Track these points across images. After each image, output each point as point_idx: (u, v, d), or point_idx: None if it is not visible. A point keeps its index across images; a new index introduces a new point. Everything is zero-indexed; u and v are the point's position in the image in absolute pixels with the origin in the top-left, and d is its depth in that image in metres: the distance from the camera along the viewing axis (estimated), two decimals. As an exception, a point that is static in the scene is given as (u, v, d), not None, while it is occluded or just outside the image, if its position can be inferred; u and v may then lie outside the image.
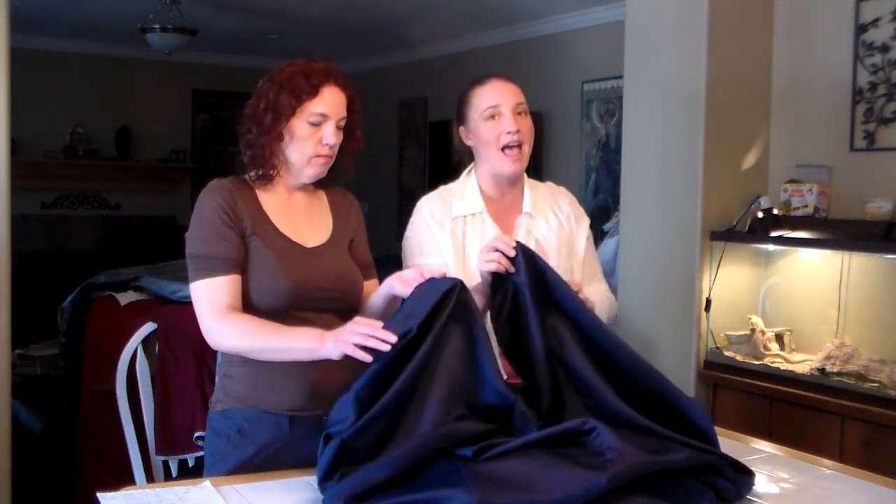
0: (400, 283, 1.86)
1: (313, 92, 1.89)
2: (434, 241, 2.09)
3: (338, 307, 1.96)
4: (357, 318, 1.75)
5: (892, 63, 3.23)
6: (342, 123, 1.94)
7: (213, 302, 1.82)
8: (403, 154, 7.59)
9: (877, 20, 3.27)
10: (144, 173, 7.73)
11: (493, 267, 1.82)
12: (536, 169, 5.77)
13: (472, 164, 2.20)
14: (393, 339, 1.62)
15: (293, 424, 1.89)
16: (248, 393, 1.90)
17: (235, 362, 1.92)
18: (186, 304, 3.14)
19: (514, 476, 1.48)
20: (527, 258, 1.83)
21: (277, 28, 6.56)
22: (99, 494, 1.66)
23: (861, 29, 3.31)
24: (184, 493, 1.65)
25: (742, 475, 1.64)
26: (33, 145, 7.06)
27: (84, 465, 3.63)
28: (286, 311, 1.88)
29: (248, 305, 1.87)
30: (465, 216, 2.13)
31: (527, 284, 1.80)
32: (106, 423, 3.20)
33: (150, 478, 2.44)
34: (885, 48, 3.24)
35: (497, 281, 1.85)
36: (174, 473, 2.74)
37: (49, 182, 7.33)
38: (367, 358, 1.63)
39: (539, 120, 5.95)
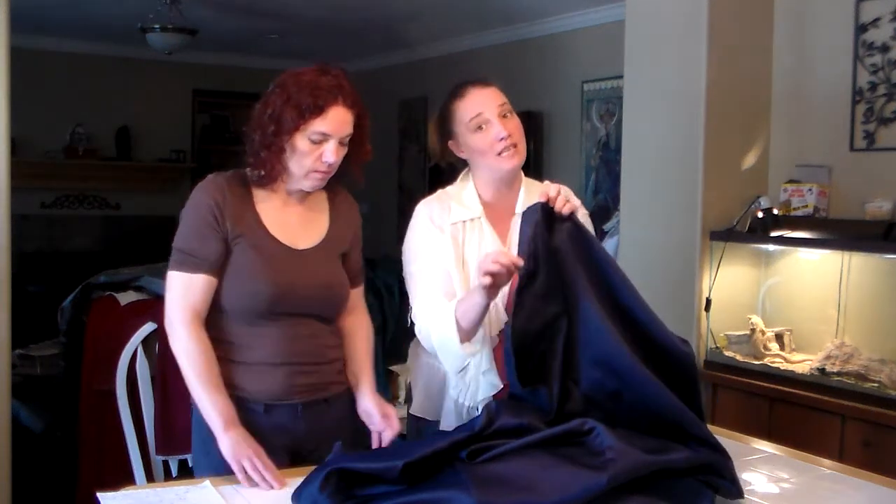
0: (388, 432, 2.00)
1: (318, 112, 1.87)
2: (435, 244, 2.08)
3: (319, 313, 1.99)
4: (259, 452, 1.77)
5: (892, 63, 3.23)
6: (346, 140, 1.94)
7: (184, 298, 1.89)
8: (403, 154, 7.58)
9: (877, 20, 3.27)
10: (144, 173, 7.72)
11: (487, 281, 1.78)
12: (536, 169, 5.76)
13: (468, 168, 2.19)
14: (273, 486, 1.70)
15: (268, 411, 1.93)
16: (225, 382, 1.93)
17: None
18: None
19: (514, 477, 1.48)
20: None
21: (277, 28, 6.56)
22: (99, 494, 1.66)
23: (861, 29, 3.31)
24: (184, 492, 1.65)
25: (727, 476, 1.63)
26: (33, 145, 7.05)
27: (84, 465, 3.62)
28: (265, 314, 1.91)
29: (230, 305, 1.91)
30: (463, 221, 2.11)
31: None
32: (106, 423, 3.19)
33: (150, 478, 2.44)
34: (885, 48, 3.25)
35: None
36: (174, 473, 2.74)
37: (49, 182, 7.31)
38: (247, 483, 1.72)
39: (539, 120, 5.95)
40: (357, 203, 2.17)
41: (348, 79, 1.95)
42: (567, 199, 1.85)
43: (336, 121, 1.89)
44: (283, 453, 1.93)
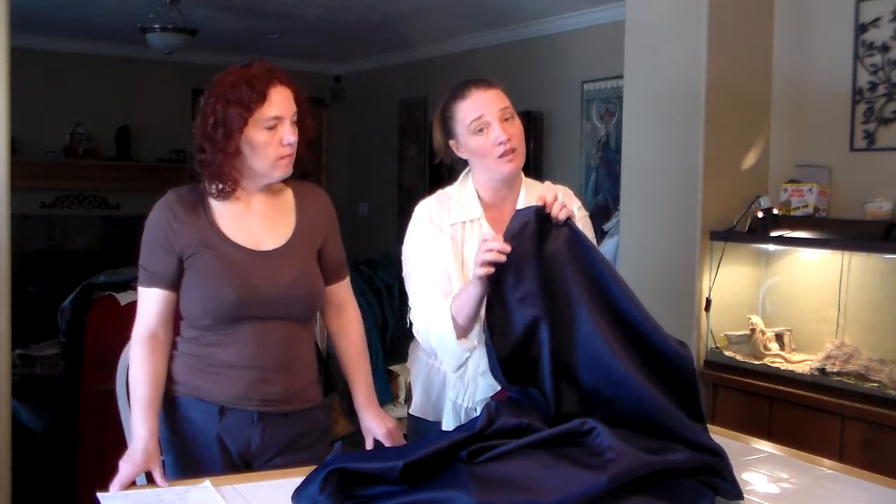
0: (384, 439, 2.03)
1: (261, 98, 1.87)
2: (434, 245, 2.09)
3: (290, 315, 1.97)
4: (128, 470, 1.78)
5: (892, 63, 3.23)
6: (295, 118, 1.94)
7: (142, 312, 1.96)
8: (403, 154, 7.58)
9: (877, 20, 3.27)
10: (144, 173, 7.71)
11: (484, 271, 1.79)
12: (537, 169, 5.76)
13: (468, 168, 2.19)
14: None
15: (223, 414, 1.94)
16: (186, 380, 1.96)
17: (180, 352, 1.99)
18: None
19: (515, 477, 1.48)
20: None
21: (277, 28, 6.56)
22: (99, 494, 1.66)
23: (861, 29, 3.31)
24: (184, 492, 1.65)
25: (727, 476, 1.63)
26: (33, 145, 7.05)
27: (84, 465, 3.62)
28: (233, 319, 1.91)
29: (198, 312, 1.93)
30: (463, 222, 2.11)
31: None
32: (106, 423, 3.19)
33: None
34: (885, 48, 3.25)
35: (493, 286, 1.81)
36: (174, 474, 2.73)
37: (49, 182, 7.31)
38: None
39: (539, 120, 5.95)
40: (326, 193, 2.15)
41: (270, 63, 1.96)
42: (563, 205, 1.84)
43: (281, 100, 1.90)
44: (236, 458, 1.95)
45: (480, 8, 5.67)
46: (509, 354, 1.77)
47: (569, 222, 1.84)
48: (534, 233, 1.81)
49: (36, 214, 7.31)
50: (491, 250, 1.78)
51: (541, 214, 1.83)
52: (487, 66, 6.07)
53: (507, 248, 1.78)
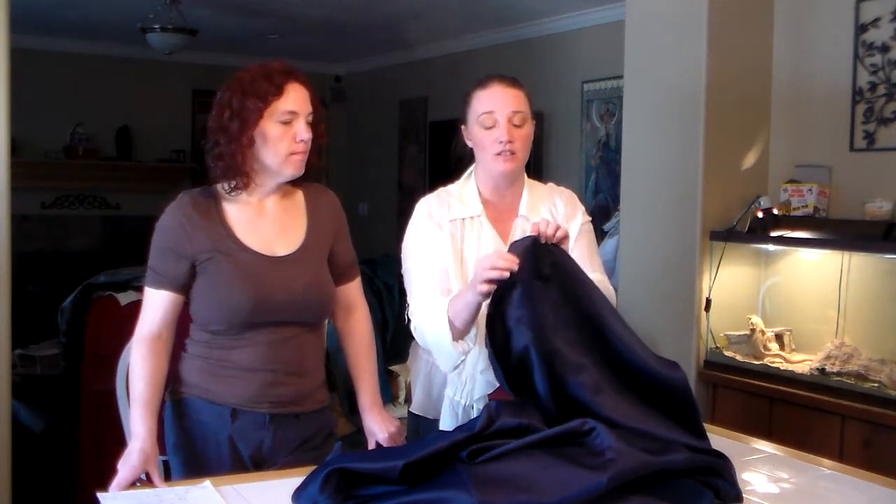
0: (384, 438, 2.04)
1: (278, 92, 1.88)
2: (432, 241, 2.09)
3: (302, 320, 1.97)
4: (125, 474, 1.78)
5: (892, 63, 3.23)
6: (310, 119, 1.94)
7: (147, 313, 1.95)
8: (403, 154, 7.58)
9: (877, 20, 3.27)
10: (144, 173, 7.71)
11: (487, 288, 1.79)
12: (537, 169, 5.76)
13: (472, 167, 2.20)
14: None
15: (235, 417, 1.94)
16: (196, 382, 1.96)
17: (191, 354, 1.99)
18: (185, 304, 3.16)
19: (515, 477, 1.48)
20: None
21: (277, 28, 6.56)
22: (99, 494, 1.66)
23: (861, 29, 3.31)
24: (184, 492, 1.65)
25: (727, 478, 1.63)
26: (33, 145, 7.05)
27: (84, 465, 3.63)
28: (246, 325, 1.91)
29: (211, 317, 1.93)
30: (463, 218, 2.12)
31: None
32: (106, 423, 3.19)
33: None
34: (885, 48, 3.25)
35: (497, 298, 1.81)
36: (174, 473, 2.73)
37: (49, 182, 7.30)
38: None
39: (539, 120, 5.91)
40: (335, 194, 2.15)
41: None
42: (557, 227, 1.84)
43: (298, 97, 1.91)
44: (247, 460, 1.96)
45: (481, 8, 5.67)
46: (513, 370, 1.76)
47: (557, 246, 1.84)
48: (531, 261, 1.81)
49: (36, 214, 7.31)
50: (497, 268, 1.76)
51: (537, 244, 1.83)
52: (487, 66, 6.06)
53: (516, 264, 1.77)
